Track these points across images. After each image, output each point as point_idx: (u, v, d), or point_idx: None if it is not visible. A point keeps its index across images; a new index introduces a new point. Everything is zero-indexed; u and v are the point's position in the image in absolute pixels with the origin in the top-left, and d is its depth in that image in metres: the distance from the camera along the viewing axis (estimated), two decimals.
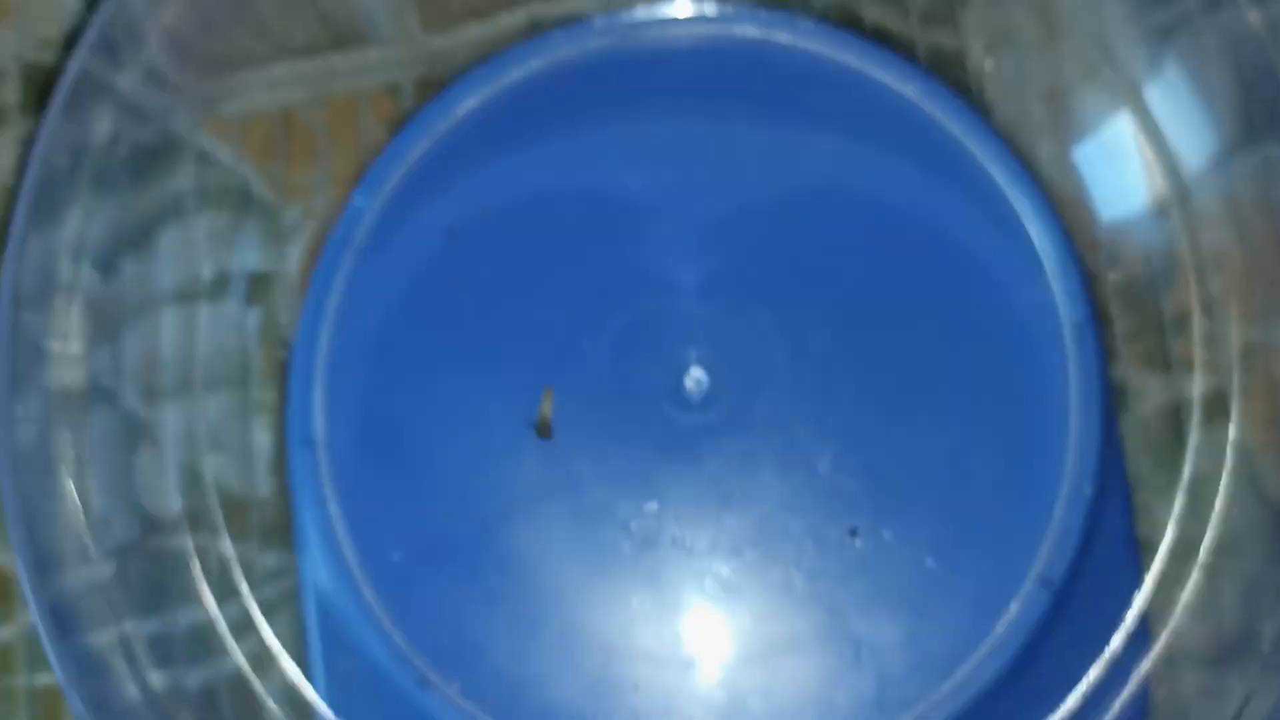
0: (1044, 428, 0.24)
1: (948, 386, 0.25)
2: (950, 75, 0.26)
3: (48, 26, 0.30)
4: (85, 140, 0.24)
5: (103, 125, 0.24)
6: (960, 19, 0.26)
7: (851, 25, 0.27)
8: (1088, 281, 0.25)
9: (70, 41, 0.29)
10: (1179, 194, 0.24)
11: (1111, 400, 0.25)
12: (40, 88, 0.29)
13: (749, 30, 0.26)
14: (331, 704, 0.24)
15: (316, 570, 0.25)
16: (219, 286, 0.27)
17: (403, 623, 0.24)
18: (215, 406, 0.26)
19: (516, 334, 0.25)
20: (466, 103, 0.26)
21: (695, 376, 0.25)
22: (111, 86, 0.23)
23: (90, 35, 0.22)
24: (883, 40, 0.26)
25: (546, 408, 0.24)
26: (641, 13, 0.26)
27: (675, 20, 0.26)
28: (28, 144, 0.29)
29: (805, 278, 0.25)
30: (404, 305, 0.26)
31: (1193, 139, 0.25)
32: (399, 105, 0.28)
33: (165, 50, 0.24)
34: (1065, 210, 0.25)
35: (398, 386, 0.25)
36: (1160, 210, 0.25)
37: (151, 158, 0.27)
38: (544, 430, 0.25)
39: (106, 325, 0.27)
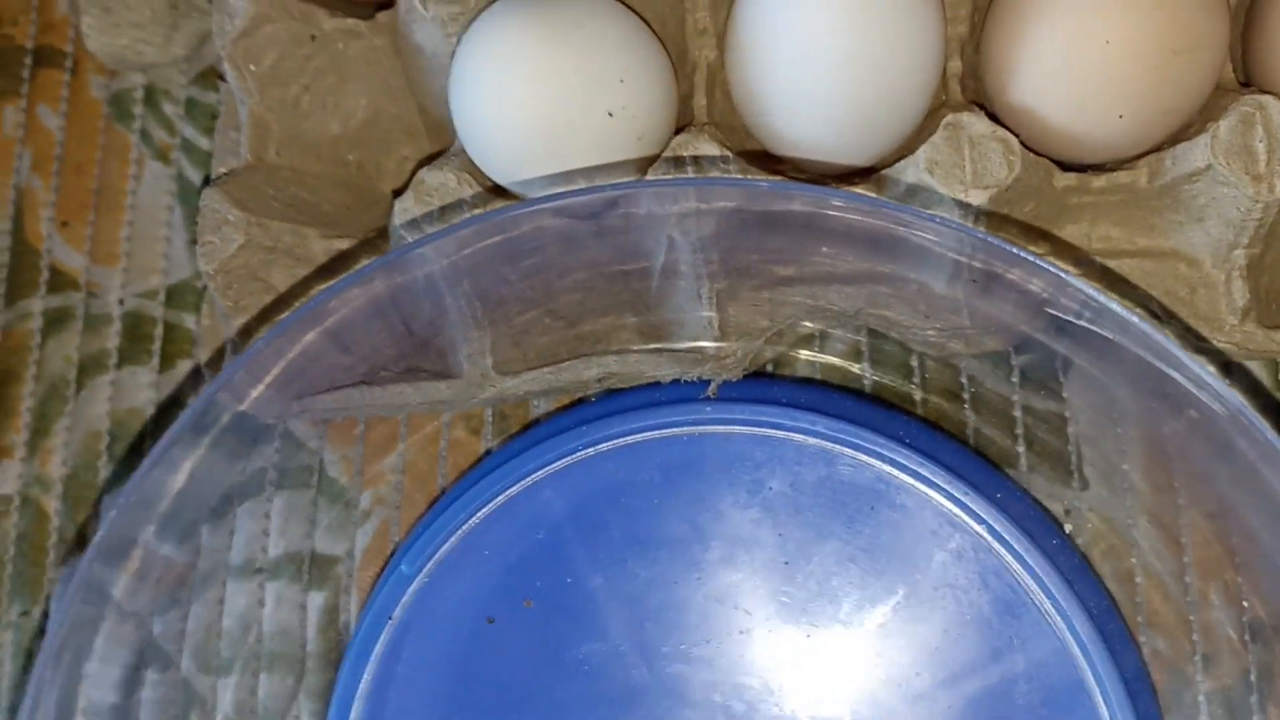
0: None
1: None
2: None
3: (153, 277, 0.31)
4: (194, 438, 0.25)
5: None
6: None
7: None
8: None
9: (173, 295, 0.31)
10: None
11: None
12: (140, 338, 0.30)
13: (815, 443, 0.26)
14: None
15: None
16: (287, 565, 0.28)
17: None
18: (269, 685, 0.27)
19: None
20: (521, 483, 0.26)
21: None
22: (223, 414, 0.25)
23: (224, 375, 0.24)
24: None
25: None
26: (707, 426, 0.26)
27: (735, 430, 0.26)
28: (122, 391, 0.30)
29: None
30: (434, 691, 0.26)
31: None
32: (481, 416, 0.29)
33: (272, 388, 0.25)
34: None
35: None
36: None
37: (240, 434, 0.28)
38: None
39: (177, 591, 0.28)
